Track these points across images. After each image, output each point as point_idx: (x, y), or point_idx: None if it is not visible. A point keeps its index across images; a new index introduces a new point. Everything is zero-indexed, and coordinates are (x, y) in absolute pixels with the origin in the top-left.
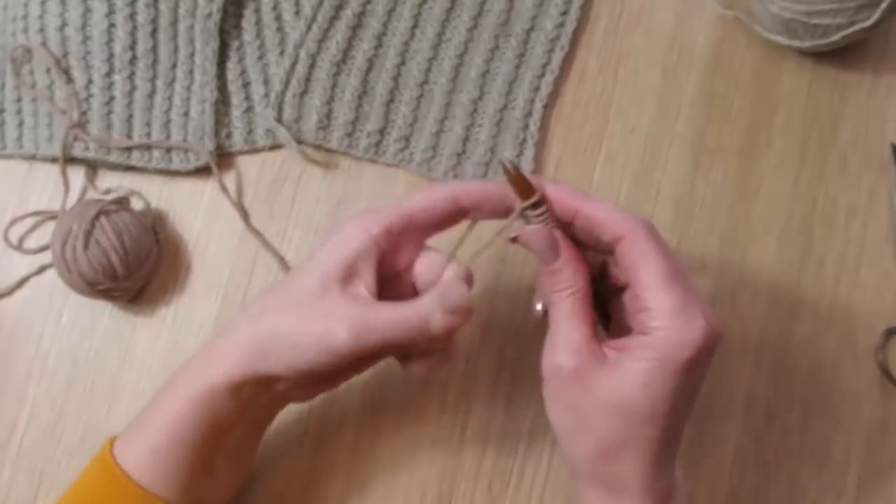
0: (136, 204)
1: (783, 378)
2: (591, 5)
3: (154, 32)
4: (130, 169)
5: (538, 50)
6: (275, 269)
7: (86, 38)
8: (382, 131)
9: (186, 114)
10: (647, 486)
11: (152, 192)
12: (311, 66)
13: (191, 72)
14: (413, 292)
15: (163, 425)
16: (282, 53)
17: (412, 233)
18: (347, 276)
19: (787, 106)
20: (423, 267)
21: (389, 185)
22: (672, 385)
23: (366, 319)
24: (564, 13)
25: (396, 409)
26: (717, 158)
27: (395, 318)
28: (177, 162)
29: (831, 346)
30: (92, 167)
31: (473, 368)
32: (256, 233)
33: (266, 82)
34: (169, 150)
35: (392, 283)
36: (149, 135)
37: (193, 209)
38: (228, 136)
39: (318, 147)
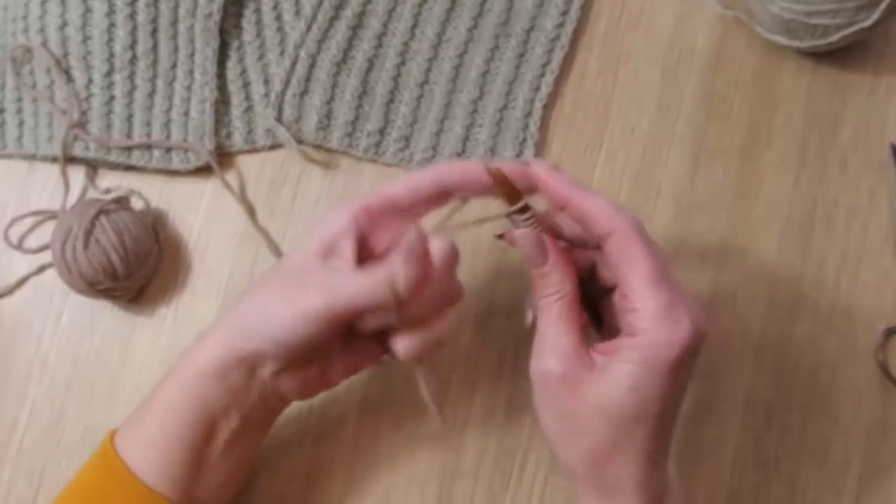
0: (137, 203)
1: (783, 378)
2: (591, 5)
3: (154, 32)
4: (130, 168)
5: (538, 50)
6: None
7: (86, 38)
8: (382, 131)
9: (186, 113)
10: (641, 486)
11: (152, 191)
12: (311, 65)
13: (191, 71)
14: None
15: (157, 415)
16: (282, 53)
17: (397, 215)
18: (328, 252)
19: (787, 106)
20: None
21: None
22: (660, 386)
23: (337, 282)
24: (564, 13)
25: (396, 408)
26: (717, 158)
27: (365, 279)
28: (177, 161)
29: (831, 346)
30: (92, 167)
31: (473, 368)
32: (261, 230)
33: (266, 82)
34: (169, 149)
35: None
36: (149, 134)
37: (193, 209)
38: (228, 135)
39: (318, 147)
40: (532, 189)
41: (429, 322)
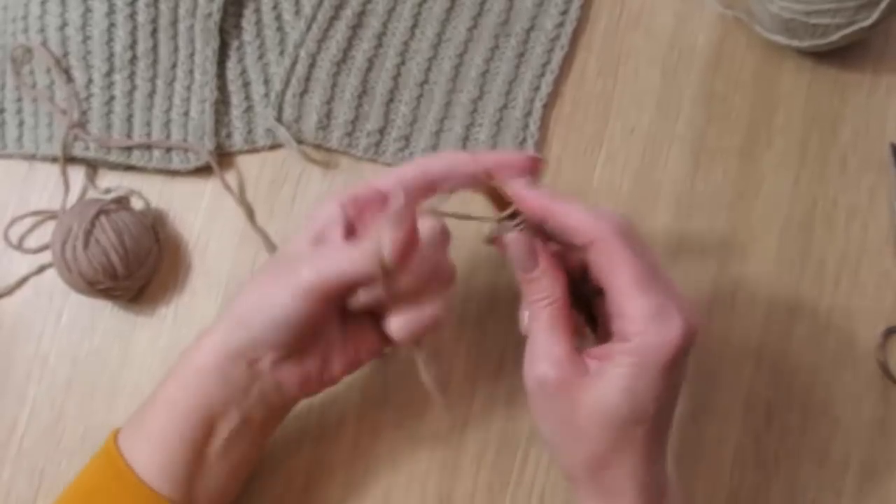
0: (136, 203)
1: (783, 378)
2: (591, 5)
3: (154, 32)
4: (130, 168)
5: (538, 49)
6: None
7: (86, 38)
8: (382, 131)
9: (186, 113)
10: (641, 487)
11: (152, 191)
12: (311, 65)
13: (191, 71)
14: None
15: (157, 414)
16: (282, 53)
17: (384, 205)
18: (317, 240)
19: (787, 106)
20: None
21: None
22: (655, 387)
23: (326, 256)
24: (564, 13)
25: (396, 408)
26: (717, 158)
27: (352, 249)
28: (177, 161)
29: (831, 346)
30: (92, 167)
31: (473, 368)
32: (260, 230)
33: (266, 82)
34: (169, 149)
35: None
36: (149, 134)
37: (193, 209)
38: (228, 135)
39: (318, 147)
40: (524, 174)
41: (421, 301)
